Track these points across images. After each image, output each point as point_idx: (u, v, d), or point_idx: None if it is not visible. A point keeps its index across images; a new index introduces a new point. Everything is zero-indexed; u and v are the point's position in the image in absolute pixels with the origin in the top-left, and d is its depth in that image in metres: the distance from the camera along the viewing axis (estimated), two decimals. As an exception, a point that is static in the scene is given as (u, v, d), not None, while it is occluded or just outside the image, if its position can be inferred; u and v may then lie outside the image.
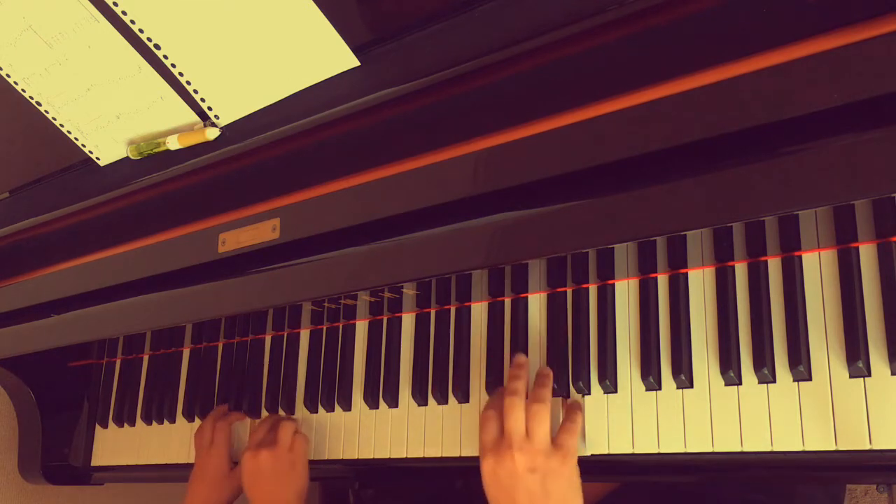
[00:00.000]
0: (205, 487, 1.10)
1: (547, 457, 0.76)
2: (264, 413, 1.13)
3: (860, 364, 0.71)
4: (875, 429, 0.70)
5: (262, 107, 0.86)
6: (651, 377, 0.81)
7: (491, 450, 0.79)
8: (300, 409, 1.10)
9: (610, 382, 0.84)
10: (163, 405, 1.26)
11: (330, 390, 1.07)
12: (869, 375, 0.72)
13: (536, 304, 0.92)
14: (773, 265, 0.78)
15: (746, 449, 0.76)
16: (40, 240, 1.10)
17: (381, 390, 1.01)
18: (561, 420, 0.83)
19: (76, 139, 0.98)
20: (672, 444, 0.80)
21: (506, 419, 0.79)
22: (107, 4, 0.82)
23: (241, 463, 1.02)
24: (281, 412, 1.11)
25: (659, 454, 0.80)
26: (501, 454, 0.77)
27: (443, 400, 0.96)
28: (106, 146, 0.98)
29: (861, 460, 0.72)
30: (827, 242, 0.76)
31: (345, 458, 1.04)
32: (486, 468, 0.78)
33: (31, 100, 0.95)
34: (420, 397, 0.98)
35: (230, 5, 0.79)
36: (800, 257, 0.77)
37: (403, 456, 0.98)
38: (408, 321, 1.02)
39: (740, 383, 0.77)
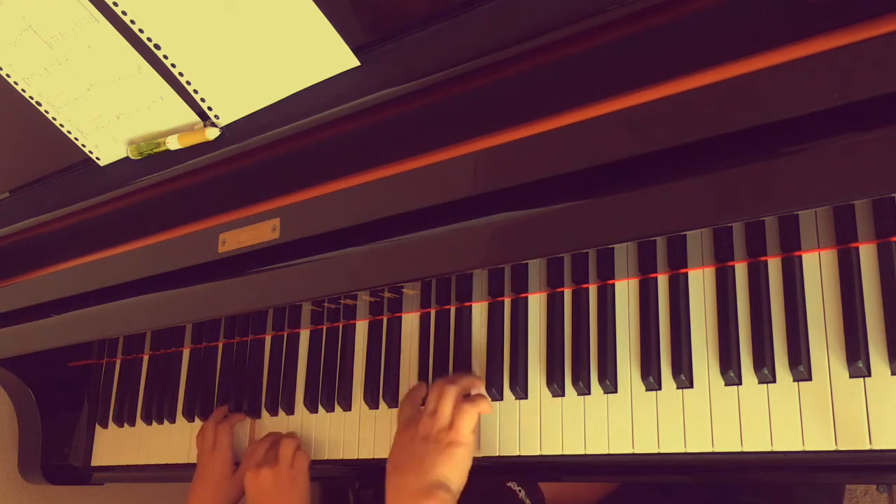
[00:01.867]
0: (208, 490, 1.10)
1: (439, 431, 0.86)
2: (265, 413, 1.13)
3: (860, 364, 0.71)
4: (875, 429, 0.70)
5: (262, 107, 0.86)
6: (651, 377, 0.81)
7: (404, 423, 0.91)
8: (300, 409, 1.10)
9: (610, 382, 0.84)
10: (163, 405, 1.26)
11: (330, 390, 1.07)
12: (869, 375, 0.72)
13: (536, 304, 0.92)
14: (773, 265, 0.78)
15: (746, 449, 0.76)
16: (40, 240, 1.09)
17: (382, 390, 1.01)
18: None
19: (76, 139, 0.98)
20: (672, 444, 0.80)
21: (427, 402, 0.90)
22: (107, 4, 0.82)
23: (245, 481, 1.03)
24: (281, 412, 1.11)
25: (659, 454, 0.80)
26: (408, 426, 0.89)
27: (443, 400, 0.96)
28: (106, 146, 0.98)
29: (861, 460, 0.71)
30: (827, 242, 0.76)
31: (345, 458, 1.04)
32: (396, 437, 0.90)
33: (31, 100, 0.95)
34: (420, 397, 0.98)
35: (230, 5, 0.79)
36: (800, 257, 0.77)
37: (403, 456, 0.98)
38: (408, 321, 1.02)
39: (740, 383, 0.77)
